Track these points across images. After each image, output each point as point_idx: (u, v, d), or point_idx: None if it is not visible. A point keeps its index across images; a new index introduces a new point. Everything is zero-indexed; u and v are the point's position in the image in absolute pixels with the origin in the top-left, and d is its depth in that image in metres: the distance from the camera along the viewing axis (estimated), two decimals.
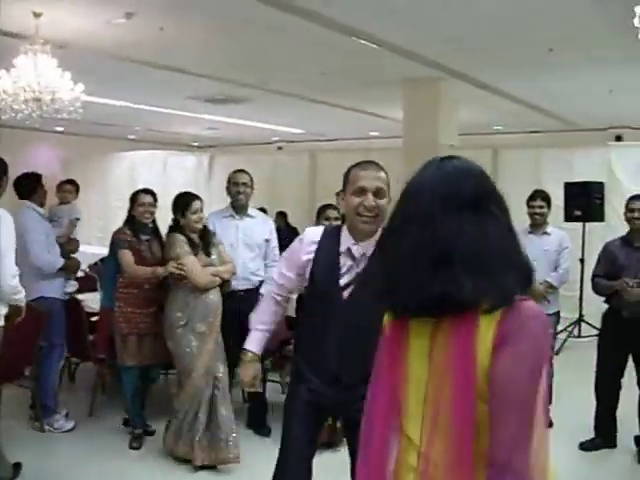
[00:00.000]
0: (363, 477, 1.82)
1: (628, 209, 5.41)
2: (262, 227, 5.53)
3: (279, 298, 3.30)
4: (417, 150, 10.40)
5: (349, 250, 2.96)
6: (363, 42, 8.26)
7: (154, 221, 5.46)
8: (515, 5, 6.88)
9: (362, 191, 2.91)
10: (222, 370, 4.92)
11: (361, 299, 2.82)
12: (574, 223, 8.56)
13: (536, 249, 5.54)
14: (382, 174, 3.02)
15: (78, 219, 7.58)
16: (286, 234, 11.59)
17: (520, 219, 6.12)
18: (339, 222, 5.28)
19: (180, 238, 5.01)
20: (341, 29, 7.78)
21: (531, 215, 6.03)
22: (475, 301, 1.58)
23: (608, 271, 5.41)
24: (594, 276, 5.53)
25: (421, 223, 1.65)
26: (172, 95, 12.19)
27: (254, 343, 3.27)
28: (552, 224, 6.28)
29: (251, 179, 5.69)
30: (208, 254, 5.02)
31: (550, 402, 5.87)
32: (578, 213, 8.55)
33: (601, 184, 8.58)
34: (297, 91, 11.94)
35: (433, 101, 10.62)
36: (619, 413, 5.45)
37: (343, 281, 2.93)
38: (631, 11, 4.50)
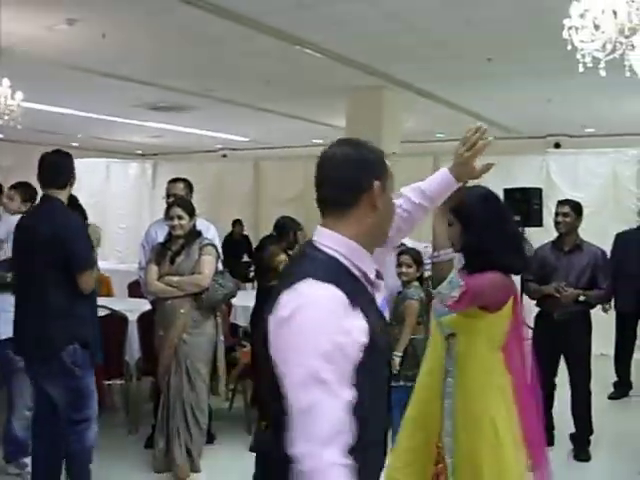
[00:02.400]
0: None
1: (555, 213, 5.60)
2: (204, 233, 5.47)
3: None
4: None
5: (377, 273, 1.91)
6: (308, 51, 8.33)
7: None
8: (454, 16, 7.03)
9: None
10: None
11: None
12: None
13: None
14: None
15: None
16: (240, 242, 11.62)
17: None
18: None
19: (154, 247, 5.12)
20: (286, 38, 7.85)
21: None
22: None
23: (539, 275, 5.54)
24: (525, 280, 5.65)
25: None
26: (116, 102, 12.10)
27: None
28: None
29: (189, 186, 5.61)
30: (173, 261, 4.86)
31: None
32: (517, 218, 8.67)
33: (539, 190, 8.75)
34: (242, 99, 11.96)
35: (376, 109, 10.74)
36: (555, 412, 5.59)
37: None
38: (561, 24, 4.65)
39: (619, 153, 9.36)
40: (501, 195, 8.81)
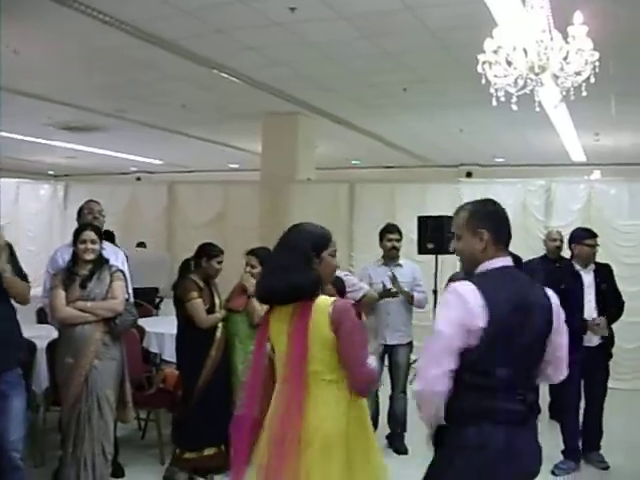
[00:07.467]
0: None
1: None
2: (114, 259, 5.34)
3: None
4: (275, 183, 10.56)
5: None
6: (224, 76, 8.33)
7: None
8: (371, 47, 7.17)
9: None
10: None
11: None
12: (427, 256, 8.85)
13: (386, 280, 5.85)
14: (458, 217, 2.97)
15: None
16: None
17: (376, 252, 6.32)
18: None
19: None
20: (202, 62, 7.83)
21: (390, 248, 6.14)
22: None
23: None
24: None
25: None
26: (26, 121, 11.83)
27: None
28: (405, 257, 6.49)
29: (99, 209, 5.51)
30: (84, 286, 4.68)
31: (405, 430, 6.07)
32: (431, 246, 8.80)
33: (452, 218, 8.93)
34: (157, 122, 11.86)
35: (292, 135, 10.81)
36: None
37: None
38: (475, 58, 4.79)
39: (528, 183, 9.63)
40: (415, 222, 8.97)
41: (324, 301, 2.83)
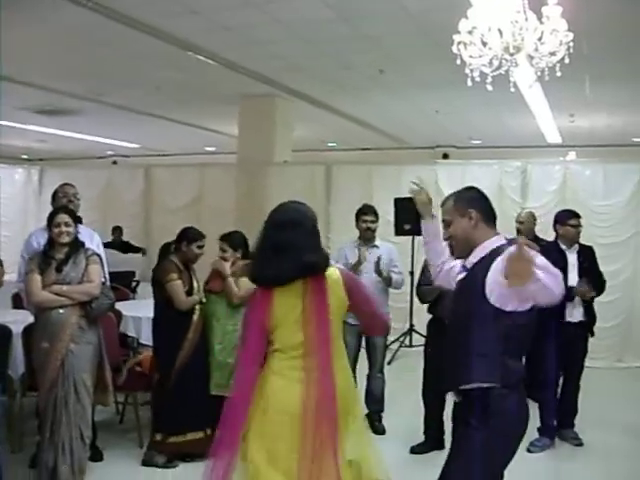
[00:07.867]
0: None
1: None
2: (88, 242, 5.28)
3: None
4: (251, 166, 10.53)
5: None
6: (200, 57, 8.28)
7: None
8: (347, 27, 7.14)
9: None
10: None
11: None
12: (404, 237, 8.87)
13: (368, 262, 5.86)
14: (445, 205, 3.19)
15: None
16: (119, 248, 11.36)
17: (353, 233, 6.33)
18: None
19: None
20: (177, 44, 7.77)
21: (365, 229, 6.15)
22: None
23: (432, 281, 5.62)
24: (419, 285, 5.76)
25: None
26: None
27: None
28: (382, 238, 6.50)
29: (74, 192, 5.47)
30: (60, 270, 4.65)
31: (382, 409, 6.12)
32: (408, 227, 8.78)
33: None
34: (132, 105, 11.77)
35: (268, 117, 10.78)
36: (446, 417, 5.69)
37: None
38: (450, 39, 4.81)
39: (504, 165, 9.67)
40: (391, 204, 9.00)
41: (333, 271, 3.03)
